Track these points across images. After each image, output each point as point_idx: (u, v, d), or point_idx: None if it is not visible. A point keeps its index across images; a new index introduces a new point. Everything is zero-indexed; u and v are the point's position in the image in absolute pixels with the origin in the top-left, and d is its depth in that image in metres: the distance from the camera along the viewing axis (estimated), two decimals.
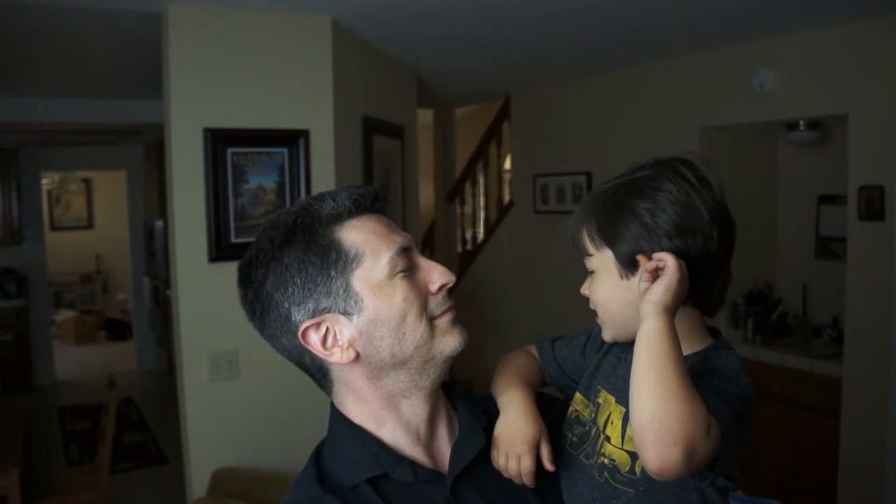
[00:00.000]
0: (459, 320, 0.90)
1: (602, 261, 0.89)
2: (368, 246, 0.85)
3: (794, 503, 3.04)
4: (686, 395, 0.73)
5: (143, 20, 2.46)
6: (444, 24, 2.77)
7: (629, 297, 0.86)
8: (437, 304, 0.87)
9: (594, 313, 0.94)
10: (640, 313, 0.78)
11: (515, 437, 0.89)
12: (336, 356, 0.85)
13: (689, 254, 0.83)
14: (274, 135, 2.55)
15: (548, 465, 0.90)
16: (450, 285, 0.88)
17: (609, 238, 0.88)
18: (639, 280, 0.82)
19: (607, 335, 0.93)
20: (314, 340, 0.85)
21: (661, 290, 0.78)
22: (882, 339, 2.77)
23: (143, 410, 5.61)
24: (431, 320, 0.86)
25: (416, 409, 0.89)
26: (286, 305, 0.85)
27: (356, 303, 0.84)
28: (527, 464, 0.88)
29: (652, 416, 0.72)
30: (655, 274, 0.80)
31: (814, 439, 3.11)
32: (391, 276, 0.84)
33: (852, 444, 2.92)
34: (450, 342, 0.87)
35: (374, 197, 0.89)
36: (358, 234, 0.85)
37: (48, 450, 4.79)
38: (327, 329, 0.85)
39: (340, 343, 0.85)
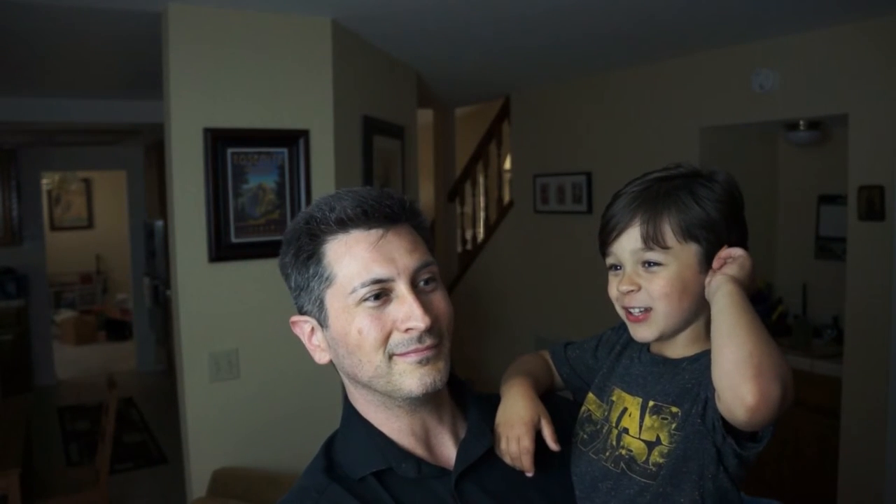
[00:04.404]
0: (433, 363, 0.85)
1: (681, 254, 0.88)
2: (342, 269, 0.84)
3: (794, 503, 3.04)
4: (774, 342, 0.77)
5: (143, 20, 2.46)
6: (444, 23, 2.77)
7: (698, 291, 0.88)
8: (400, 342, 0.83)
9: (640, 312, 0.90)
10: (714, 285, 0.84)
11: (513, 420, 0.92)
12: (317, 355, 0.91)
13: (741, 243, 0.91)
14: (274, 135, 2.55)
15: (552, 445, 0.91)
16: (418, 330, 0.83)
17: (697, 233, 0.88)
18: (710, 271, 0.88)
19: (652, 331, 0.90)
20: (300, 331, 0.92)
21: (737, 267, 0.85)
22: (882, 339, 2.77)
23: (143, 410, 5.62)
24: (392, 356, 0.84)
25: (402, 420, 0.89)
26: (292, 290, 0.92)
27: (325, 318, 0.87)
28: (525, 444, 0.89)
29: (750, 353, 0.75)
30: (724, 263, 0.87)
31: (814, 439, 3.11)
32: (356, 303, 0.84)
33: (852, 444, 2.92)
34: (406, 383, 0.84)
35: (377, 214, 0.85)
36: (338, 254, 0.85)
37: (48, 450, 4.79)
38: (312, 328, 0.90)
39: (319, 344, 0.90)
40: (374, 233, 0.85)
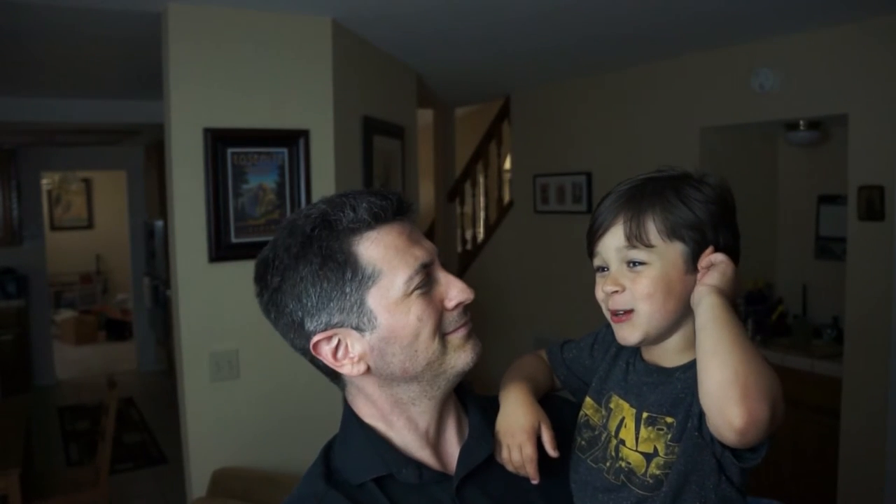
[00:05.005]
0: (473, 334, 0.89)
1: (666, 253, 0.86)
2: (386, 263, 0.83)
3: (794, 503, 3.04)
4: (762, 357, 0.76)
5: (143, 20, 2.46)
6: (445, 23, 2.77)
7: (685, 292, 0.86)
8: (451, 320, 0.86)
9: (623, 312, 0.88)
10: (696, 297, 0.82)
11: (514, 428, 0.90)
12: (346, 368, 0.86)
13: (731, 248, 0.89)
14: (274, 135, 2.55)
15: (551, 451, 0.90)
16: (468, 301, 0.87)
17: (682, 232, 0.86)
18: (698, 274, 0.86)
19: (636, 335, 0.88)
20: (325, 352, 0.86)
21: (718, 275, 0.83)
22: (882, 339, 2.77)
23: (143, 410, 5.62)
24: (444, 336, 0.86)
25: (425, 414, 0.89)
26: (300, 314, 0.85)
27: (370, 320, 0.84)
28: (528, 452, 0.88)
29: (735, 373, 0.73)
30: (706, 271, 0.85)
31: (814, 439, 3.11)
32: (407, 294, 0.83)
33: (852, 444, 2.92)
34: (462, 358, 0.87)
35: (397, 207, 0.86)
36: (377, 250, 0.83)
37: (48, 450, 4.79)
38: (339, 341, 0.85)
39: (351, 356, 0.86)
40: (402, 223, 0.87)
